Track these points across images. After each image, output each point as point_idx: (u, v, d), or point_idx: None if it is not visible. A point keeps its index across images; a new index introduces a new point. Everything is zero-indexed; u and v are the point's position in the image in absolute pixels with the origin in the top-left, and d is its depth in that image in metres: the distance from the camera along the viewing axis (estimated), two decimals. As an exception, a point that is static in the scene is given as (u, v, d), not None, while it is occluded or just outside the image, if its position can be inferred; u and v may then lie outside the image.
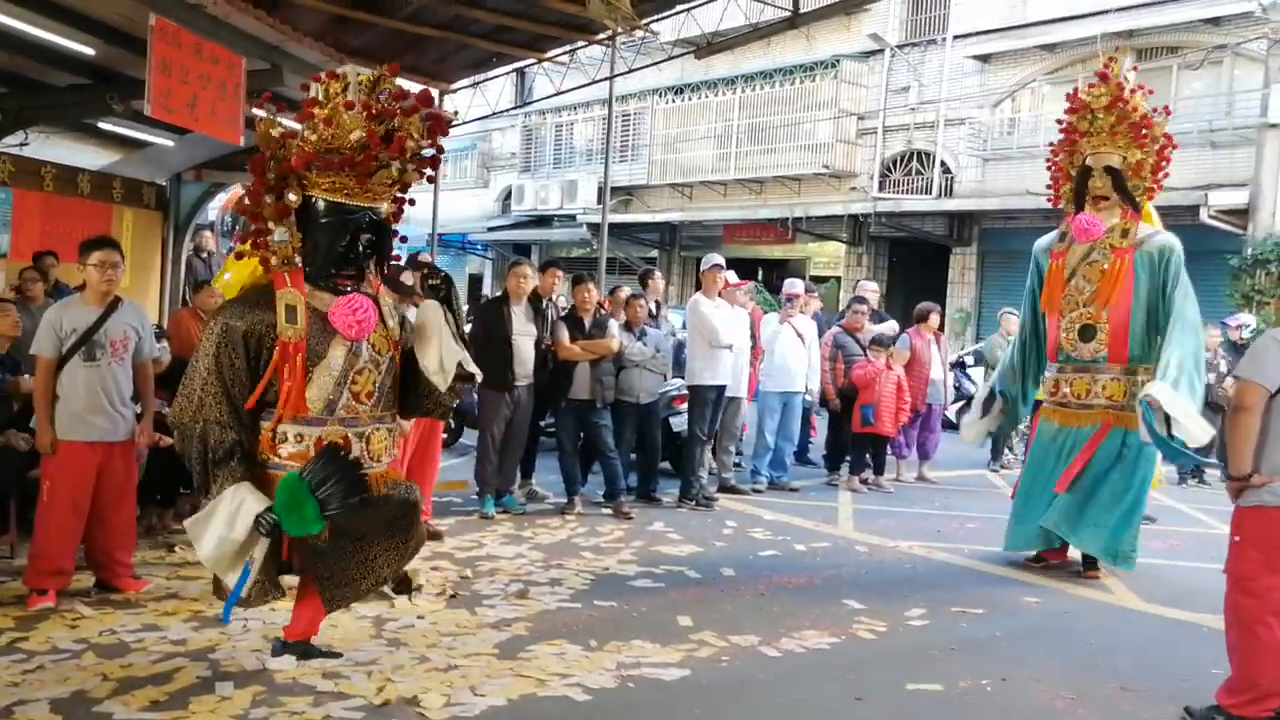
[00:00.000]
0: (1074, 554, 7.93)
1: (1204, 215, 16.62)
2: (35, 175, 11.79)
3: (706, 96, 25.86)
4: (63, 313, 6.20)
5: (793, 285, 11.56)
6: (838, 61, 23.30)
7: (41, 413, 6.10)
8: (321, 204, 4.51)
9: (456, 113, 12.82)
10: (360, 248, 4.58)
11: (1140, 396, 7.09)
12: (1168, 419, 6.89)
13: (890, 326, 12.32)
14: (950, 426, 13.61)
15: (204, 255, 14.55)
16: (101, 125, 12.40)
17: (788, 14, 12.93)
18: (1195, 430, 6.90)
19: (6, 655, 5.16)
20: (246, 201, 4.56)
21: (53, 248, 10.75)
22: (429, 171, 4.69)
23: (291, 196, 4.41)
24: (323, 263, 4.57)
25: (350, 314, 4.42)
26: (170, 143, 12.75)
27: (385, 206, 4.66)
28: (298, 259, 4.52)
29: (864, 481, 11.19)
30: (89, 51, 8.89)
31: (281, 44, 8.83)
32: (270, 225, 4.48)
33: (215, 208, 18.35)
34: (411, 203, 4.84)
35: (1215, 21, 18.03)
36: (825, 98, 23.52)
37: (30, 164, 11.73)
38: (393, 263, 5.10)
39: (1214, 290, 14.69)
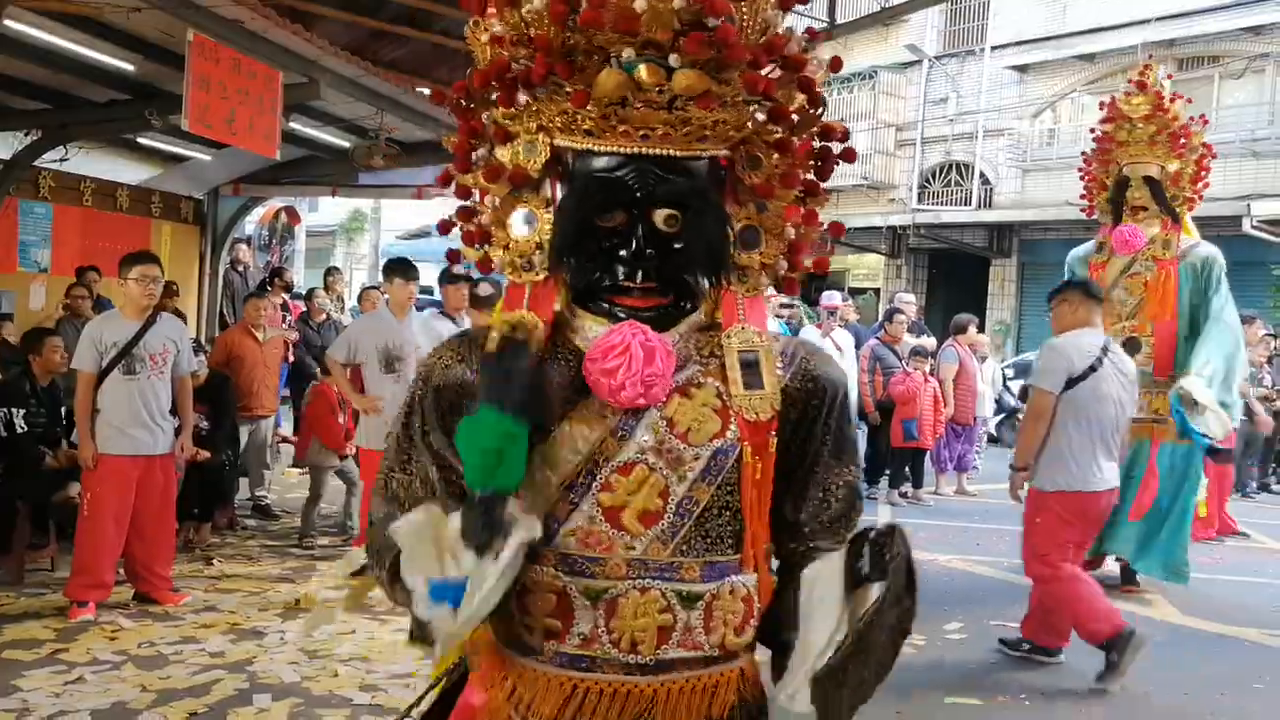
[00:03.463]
0: (1111, 566, 7.83)
1: (1246, 226, 16.42)
2: (75, 190, 11.91)
3: (742, 108, 25.85)
4: (103, 327, 6.27)
5: (830, 297, 11.51)
6: (875, 72, 23.23)
7: (83, 427, 6.16)
8: (570, 157, 2.07)
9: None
10: (642, 235, 1.99)
11: (1173, 390, 7.18)
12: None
13: (928, 342, 12.23)
14: (991, 440, 13.49)
15: (240, 269, 14.67)
16: (140, 140, 12.52)
17: (825, 24, 12.88)
18: (1215, 425, 7.09)
19: (48, 666, 5.22)
20: (452, 165, 2.19)
21: (93, 263, 10.86)
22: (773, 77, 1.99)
23: (517, 148, 2.07)
24: (584, 266, 2.06)
25: (602, 355, 1.97)
26: (208, 157, 12.85)
27: (714, 151, 2.02)
28: (537, 260, 2.11)
29: (903, 495, 11.12)
30: (128, 67, 8.95)
31: (318, 58, 8.86)
32: (488, 201, 2.14)
33: (252, 222, 18.48)
34: (839, 160, 2.17)
35: (1256, 30, 17.86)
36: (863, 109, 23.45)
37: (70, 179, 11.84)
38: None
39: (1257, 301, 14.55)
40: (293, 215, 20.42)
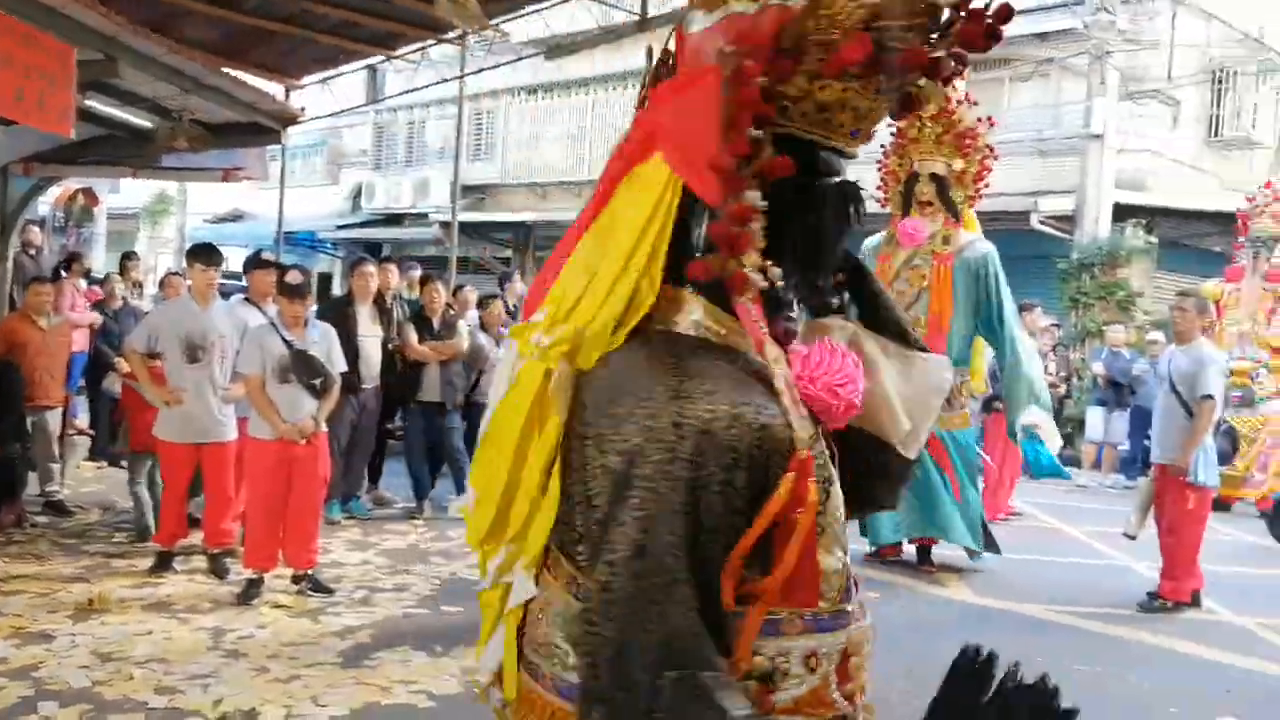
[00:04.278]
0: (909, 549, 8.21)
1: (1034, 221, 17.23)
2: None
3: (560, 97, 25.84)
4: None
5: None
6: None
7: None
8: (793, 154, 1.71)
9: (304, 109, 12.50)
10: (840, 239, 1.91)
11: (1024, 424, 8.32)
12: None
13: None
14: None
15: (32, 253, 13.99)
16: (-79, 116, 11.84)
17: (636, 17, 12.99)
18: (1054, 441, 8.89)
19: None
20: (725, 144, 1.65)
21: None
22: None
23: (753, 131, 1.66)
24: (800, 276, 1.82)
25: (831, 370, 1.74)
26: (-3, 134, 12.23)
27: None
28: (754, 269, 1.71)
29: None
30: (-93, 39, 8.47)
31: (117, 35, 8.52)
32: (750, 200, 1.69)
33: (47, 203, 17.64)
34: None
35: (1043, 36, 18.67)
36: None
37: None
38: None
39: (1043, 292, 15.34)
40: (91, 197, 19.56)
